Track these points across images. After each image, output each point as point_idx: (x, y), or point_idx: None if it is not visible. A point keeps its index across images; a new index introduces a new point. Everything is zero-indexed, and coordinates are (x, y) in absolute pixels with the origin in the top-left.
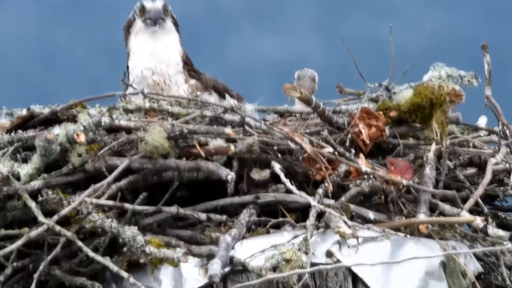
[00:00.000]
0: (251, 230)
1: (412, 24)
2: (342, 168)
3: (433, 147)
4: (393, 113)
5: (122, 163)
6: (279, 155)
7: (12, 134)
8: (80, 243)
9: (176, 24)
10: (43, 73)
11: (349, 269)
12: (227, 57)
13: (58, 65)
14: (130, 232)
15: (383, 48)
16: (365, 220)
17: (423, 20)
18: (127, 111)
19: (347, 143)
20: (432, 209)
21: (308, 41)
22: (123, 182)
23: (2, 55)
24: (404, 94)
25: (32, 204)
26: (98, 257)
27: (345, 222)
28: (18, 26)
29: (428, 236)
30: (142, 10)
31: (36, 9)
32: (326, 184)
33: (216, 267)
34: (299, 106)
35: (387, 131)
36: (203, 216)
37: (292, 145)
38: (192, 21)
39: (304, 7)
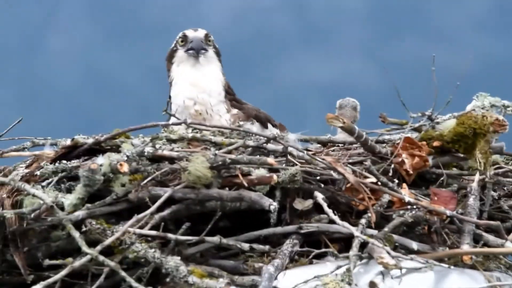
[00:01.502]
0: (294, 260)
1: (462, 48)
2: (385, 198)
3: (477, 177)
4: (436, 143)
5: (165, 193)
6: (322, 185)
7: (56, 164)
8: (123, 273)
9: (218, 54)
10: (94, 99)
11: None
12: (277, 82)
13: (110, 91)
14: (173, 262)
15: (437, 74)
16: (409, 251)
17: (473, 46)
18: (170, 140)
19: (390, 173)
20: (476, 239)
21: (358, 66)
22: (166, 212)
23: (54, 80)
24: (447, 124)
25: (76, 234)
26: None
27: (388, 253)
28: (70, 51)
29: (472, 267)
30: (184, 39)
31: (87, 35)
32: (369, 214)
33: None
34: (341, 136)
35: (430, 161)
36: (246, 246)
37: (335, 175)
38: (243, 46)
39: (355, 31)
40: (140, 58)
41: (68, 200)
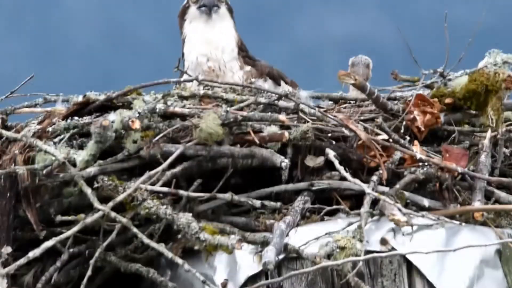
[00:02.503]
0: (306, 217)
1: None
2: (397, 155)
3: (489, 134)
4: (448, 100)
5: (177, 150)
6: (334, 142)
7: (68, 120)
8: (135, 230)
9: (230, 10)
10: (110, 55)
11: (403, 257)
12: (293, 36)
13: (125, 47)
14: (184, 218)
15: (453, 27)
16: (420, 208)
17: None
18: (181, 97)
19: (402, 130)
20: (488, 196)
21: (373, 20)
22: (177, 169)
23: (69, 38)
24: (459, 81)
25: (88, 191)
26: (153, 244)
27: (399, 210)
28: (86, 7)
29: (484, 224)
30: None
31: None
32: (381, 171)
33: (270, 254)
34: (353, 93)
35: (442, 118)
36: (257, 203)
37: (347, 132)
38: (258, 1)
39: None
40: (156, 14)
41: (80, 156)
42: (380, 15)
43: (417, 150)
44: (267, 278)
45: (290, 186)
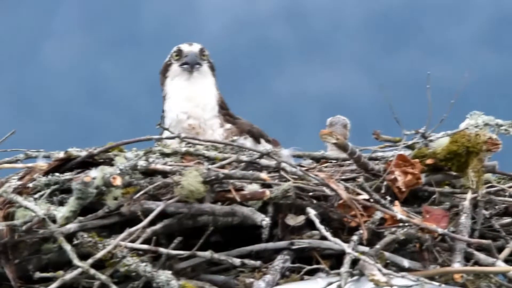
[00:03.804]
0: (285, 276)
1: (459, 64)
2: (377, 215)
3: (469, 195)
4: (429, 161)
5: (158, 207)
6: (315, 201)
7: (49, 176)
8: (114, 287)
9: (212, 68)
10: (88, 108)
11: None
12: (271, 94)
13: (103, 100)
14: (164, 276)
15: (432, 89)
16: (400, 268)
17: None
18: (163, 154)
19: (383, 190)
20: (468, 258)
21: (354, 79)
22: (158, 226)
23: (48, 89)
24: (440, 141)
25: (68, 247)
26: None
27: (379, 270)
28: (64, 60)
29: (463, 285)
30: (179, 54)
31: (81, 43)
32: (361, 231)
33: None
34: (332, 152)
35: (423, 178)
36: (237, 261)
37: (328, 191)
38: (239, 55)
39: (353, 44)
40: (134, 69)
41: (60, 212)
42: (359, 75)
43: (398, 211)
44: None
45: (271, 245)
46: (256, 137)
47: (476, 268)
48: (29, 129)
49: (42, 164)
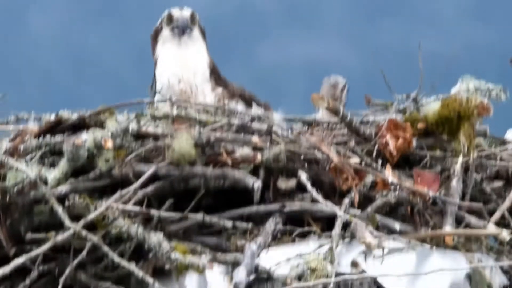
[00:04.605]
0: (277, 238)
1: (446, 34)
2: (369, 178)
3: (460, 159)
4: (420, 125)
5: (149, 170)
6: (306, 164)
7: (40, 139)
8: (106, 248)
9: (203, 33)
10: (72, 77)
11: (374, 280)
12: (256, 60)
13: (87, 70)
14: (156, 238)
15: (415, 56)
16: (391, 231)
17: (456, 30)
18: (154, 118)
19: (374, 154)
20: (459, 221)
21: (338, 47)
22: (149, 189)
23: (32, 59)
24: (432, 106)
25: (59, 209)
26: (124, 263)
27: (371, 233)
28: (48, 30)
29: (454, 248)
30: (170, 18)
31: (66, 13)
32: (353, 194)
33: (241, 275)
34: (323, 115)
35: (414, 142)
36: (228, 223)
37: (319, 155)
38: (223, 22)
39: (338, 11)
40: (119, 39)
41: (52, 174)
42: (344, 43)
43: (389, 174)
44: None
45: (262, 208)
46: (248, 100)
47: (467, 230)
48: (11, 97)
49: (33, 126)
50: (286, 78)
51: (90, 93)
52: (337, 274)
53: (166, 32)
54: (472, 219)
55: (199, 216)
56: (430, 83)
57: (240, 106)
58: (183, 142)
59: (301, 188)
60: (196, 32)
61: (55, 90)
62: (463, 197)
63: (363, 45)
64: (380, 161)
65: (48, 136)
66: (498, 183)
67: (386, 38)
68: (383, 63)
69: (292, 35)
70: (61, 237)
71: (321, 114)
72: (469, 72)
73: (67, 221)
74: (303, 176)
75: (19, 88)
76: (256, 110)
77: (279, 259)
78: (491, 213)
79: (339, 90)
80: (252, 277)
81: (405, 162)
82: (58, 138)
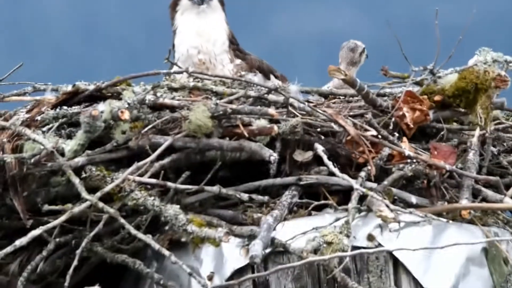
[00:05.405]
0: (293, 211)
1: (461, 4)
2: (385, 151)
3: (477, 132)
4: (437, 97)
5: (166, 142)
6: (322, 137)
7: (57, 109)
8: (122, 220)
9: (222, 3)
10: (83, 45)
11: (390, 253)
12: (269, 31)
13: (98, 38)
14: (172, 210)
15: (428, 27)
16: (407, 205)
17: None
18: (171, 89)
19: (391, 127)
20: (475, 195)
21: (353, 16)
22: (166, 161)
23: (42, 27)
24: (449, 78)
25: (76, 180)
26: (140, 235)
27: (387, 206)
28: (58, 0)
29: (471, 222)
30: None
31: None
32: (369, 167)
33: (257, 248)
34: (335, 84)
35: (431, 115)
36: (245, 196)
37: (336, 127)
38: None
39: None
40: (130, 6)
41: (69, 146)
42: (357, 12)
43: (406, 147)
44: (253, 272)
45: (278, 180)
46: (266, 72)
47: (484, 204)
48: (23, 66)
49: (50, 97)
50: (299, 49)
51: (100, 61)
52: (353, 248)
53: (184, 2)
54: (489, 193)
55: (215, 189)
56: (446, 54)
57: (258, 78)
58: (199, 113)
59: (317, 161)
60: (215, 2)
61: (66, 58)
62: (479, 171)
63: (377, 15)
64: (396, 134)
65: (65, 107)
66: None
67: (400, 8)
68: (397, 34)
69: (306, 6)
70: (77, 209)
71: (333, 83)
72: (483, 43)
73: (83, 193)
74: (320, 148)
75: (29, 56)
76: (273, 82)
77: (295, 232)
78: (508, 186)
79: (358, 53)
80: (268, 250)
81: (422, 135)
82: (75, 109)
